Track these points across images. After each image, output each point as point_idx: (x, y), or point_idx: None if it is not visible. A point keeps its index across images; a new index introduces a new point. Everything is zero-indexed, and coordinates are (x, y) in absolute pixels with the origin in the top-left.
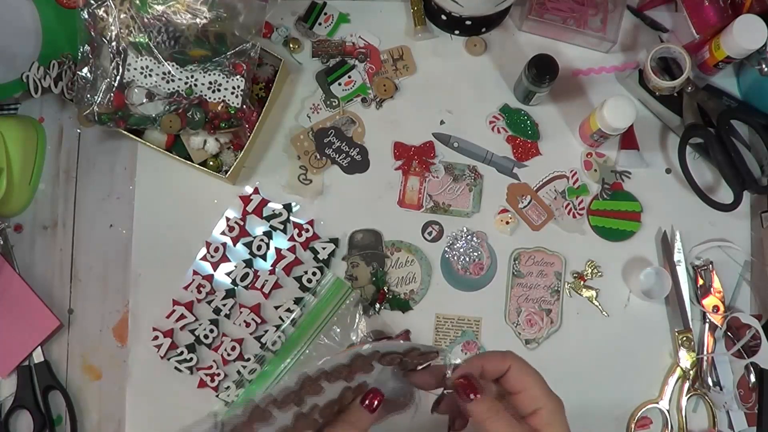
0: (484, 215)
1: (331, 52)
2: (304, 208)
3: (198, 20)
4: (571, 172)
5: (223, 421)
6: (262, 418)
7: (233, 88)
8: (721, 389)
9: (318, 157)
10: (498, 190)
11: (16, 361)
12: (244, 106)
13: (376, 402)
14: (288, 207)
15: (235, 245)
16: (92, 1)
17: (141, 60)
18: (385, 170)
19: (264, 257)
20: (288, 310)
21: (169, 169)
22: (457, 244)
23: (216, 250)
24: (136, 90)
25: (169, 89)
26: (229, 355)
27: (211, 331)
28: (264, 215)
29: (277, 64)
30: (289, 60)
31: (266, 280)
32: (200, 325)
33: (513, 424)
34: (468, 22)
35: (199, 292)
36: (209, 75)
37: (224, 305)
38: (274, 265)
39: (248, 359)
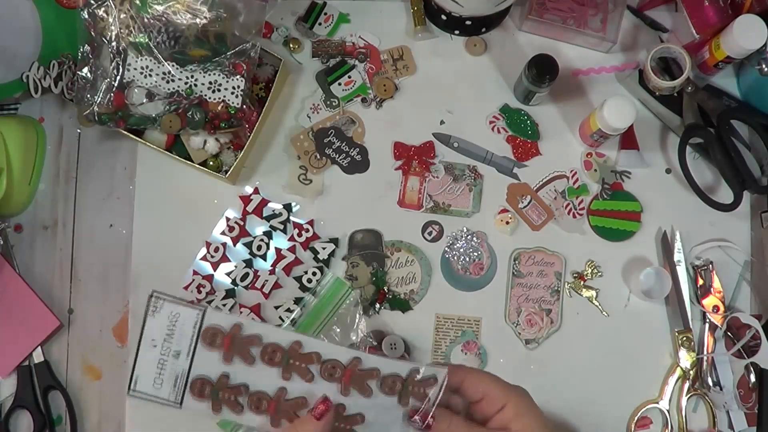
0: (484, 215)
1: (331, 52)
2: (304, 208)
3: (198, 20)
4: (571, 172)
5: (206, 311)
6: (240, 347)
7: (233, 88)
8: (721, 389)
9: (318, 157)
10: (498, 190)
11: (16, 361)
12: (244, 106)
13: (321, 410)
14: (288, 207)
15: (235, 245)
16: (92, 1)
17: (141, 60)
18: (385, 170)
19: (264, 257)
20: (288, 310)
21: (169, 169)
22: (457, 244)
23: (216, 250)
24: (136, 90)
25: (169, 89)
26: None
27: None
28: (264, 215)
29: (277, 64)
30: (289, 60)
31: (266, 280)
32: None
33: (467, 426)
34: (468, 22)
35: (199, 292)
36: (209, 75)
37: (224, 305)
38: (274, 265)
39: None
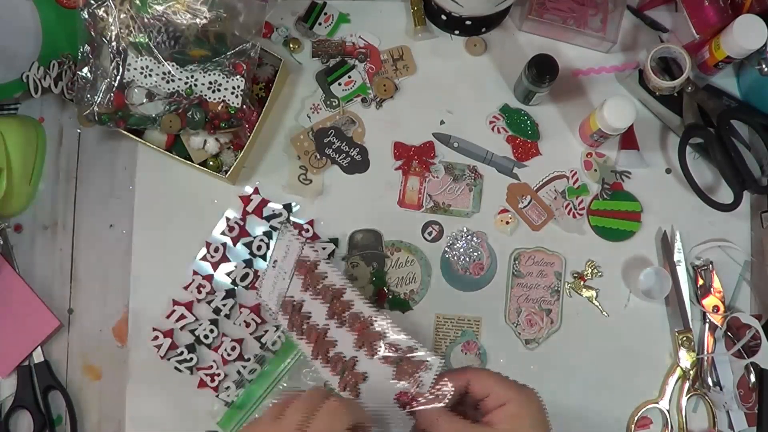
0: (484, 215)
1: (331, 52)
2: (304, 208)
3: (198, 20)
4: (571, 172)
5: (305, 244)
6: (313, 280)
7: (233, 88)
8: (721, 389)
9: (318, 157)
10: (498, 190)
11: (16, 361)
12: (244, 106)
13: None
14: (288, 207)
15: (235, 245)
16: (92, 1)
17: (141, 60)
18: (385, 170)
19: (264, 257)
20: None
21: (169, 169)
22: (457, 244)
23: (216, 250)
24: (136, 90)
25: (169, 89)
26: (229, 355)
27: (211, 331)
28: (264, 215)
29: (277, 64)
30: (289, 60)
31: None
32: (200, 325)
33: (458, 422)
34: (468, 22)
35: (199, 292)
36: (209, 75)
37: (224, 305)
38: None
39: (248, 359)
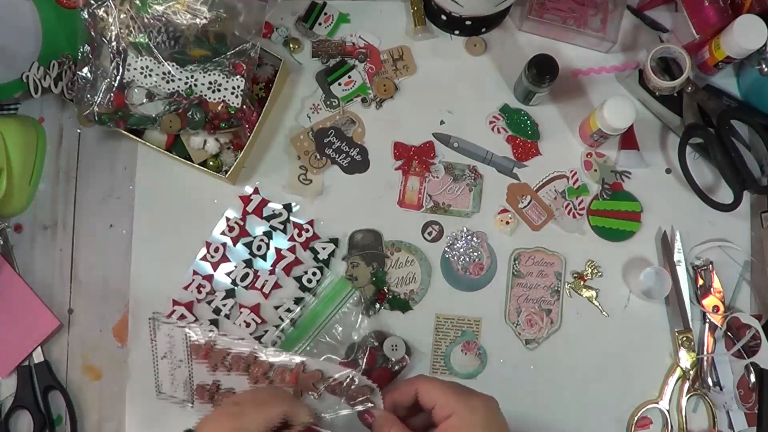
0: (484, 215)
1: (331, 52)
2: (304, 208)
3: (198, 20)
4: (571, 172)
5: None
6: (216, 358)
7: (233, 88)
8: (721, 389)
9: (318, 157)
10: (498, 190)
11: (16, 361)
12: (244, 106)
13: None
14: (288, 207)
15: (235, 245)
16: (92, 1)
17: (141, 60)
18: (385, 170)
19: (264, 257)
20: (288, 310)
21: (169, 169)
22: (457, 244)
23: (216, 250)
24: (136, 90)
25: (169, 89)
26: None
27: (211, 331)
28: (264, 215)
29: (277, 64)
30: (289, 60)
31: (266, 280)
32: (200, 325)
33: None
34: (468, 22)
35: (199, 292)
36: (209, 75)
37: (224, 305)
38: (274, 265)
39: None
